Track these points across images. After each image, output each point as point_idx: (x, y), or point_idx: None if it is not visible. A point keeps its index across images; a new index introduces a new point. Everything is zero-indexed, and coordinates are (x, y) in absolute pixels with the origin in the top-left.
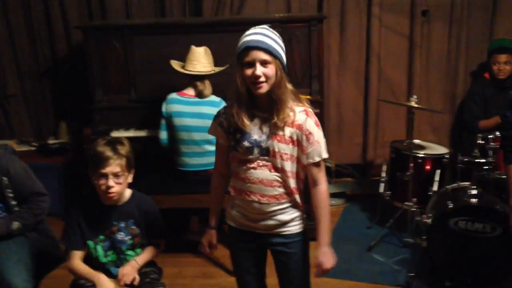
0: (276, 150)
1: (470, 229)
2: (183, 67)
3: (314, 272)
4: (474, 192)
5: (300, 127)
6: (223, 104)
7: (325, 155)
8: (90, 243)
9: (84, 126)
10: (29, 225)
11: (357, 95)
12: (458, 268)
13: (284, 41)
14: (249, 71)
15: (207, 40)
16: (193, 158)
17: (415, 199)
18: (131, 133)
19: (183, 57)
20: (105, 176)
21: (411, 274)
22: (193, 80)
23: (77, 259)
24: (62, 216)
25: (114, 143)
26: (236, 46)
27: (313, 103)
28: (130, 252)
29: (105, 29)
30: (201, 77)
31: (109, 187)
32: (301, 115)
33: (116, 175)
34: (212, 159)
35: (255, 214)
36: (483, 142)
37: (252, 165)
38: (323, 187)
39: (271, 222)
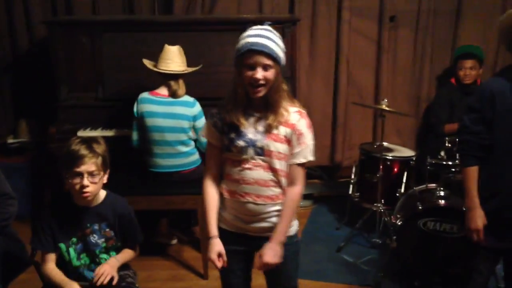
0: (272, 149)
1: (438, 230)
2: (155, 66)
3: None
4: (442, 193)
5: (293, 127)
6: (197, 104)
7: (310, 157)
8: (62, 245)
9: (46, 125)
10: None
11: (326, 97)
12: (426, 267)
13: None
14: (249, 73)
15: (179, 38)
16: (165, 159)
17: (383, 200)
18: (98, 133)
19: (154, 55)
20: (80, 175)
21: (380, 274)
22: (166, 79)
23: (51, 263)
24: (28, 219)
25: (89, 142)
26: (202, 44)
27: None
28: (104, 256)
29: (72, 24)
30: (175, 77)
31: (83, 187)
32: (295, 115)
33: (91, 174)
34: (185, 160)
35: (249, 215)
36: (450, 145)
37: (247, 166)
38: (299, 188)
39: (264, 224)
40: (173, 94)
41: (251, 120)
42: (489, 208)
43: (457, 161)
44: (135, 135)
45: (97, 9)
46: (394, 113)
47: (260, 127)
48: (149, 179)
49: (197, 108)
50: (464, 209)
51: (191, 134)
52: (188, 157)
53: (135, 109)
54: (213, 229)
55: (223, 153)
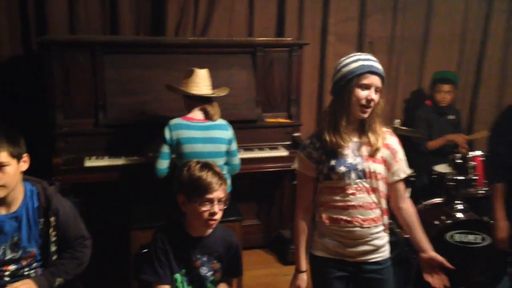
0: (372, 170)
1: (465, 241)
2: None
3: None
4: (461, 207)
5: (388, 147)
6: (230, 127)
7: (408, 171)
8: (178, 276)
9: (37, 154)
10: (72, 278)
11: (310, 119)
12: (454, 278)
13: (265, 64)
14: (364, 93)
15: (186, 61)
16: None
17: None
18: (106, 161)
19: (159, 77)
20: (211, 202)
21: None
22: (200, 103)
23: None
24: None
25: (210, 167)
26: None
27: (293, 127)
28: None
29: (72, 45)
30: (210, 100)
31: (213, 214)
32: (387, 135)
33: (220, 200)
34: None
35: (354, 240)
36: (462, 161)
37: (351, 191)
38: (410, 200)
39: (367, 248)
40: (211, 117)
41: (350, 144)
42: None
43: (472, 176)
44: (163, 164)
45: (76, 29)
46: (409, 132)
47: (358, 151)
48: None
49: (231, 130)
50: (483, 219)
51: (225, 158)
52: None
53: (167, 136)
54: (304, 264)
55: (319, 182)
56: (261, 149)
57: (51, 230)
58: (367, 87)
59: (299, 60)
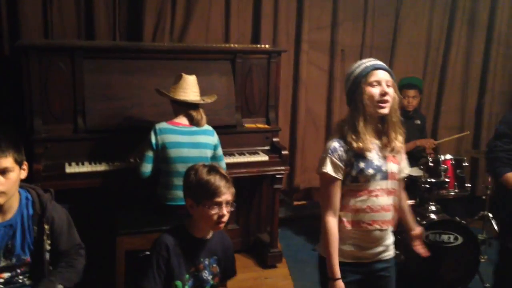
0: (393, 171)
1: (439, 241)
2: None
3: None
4: (434, 208)
5: (400, 146)
6: (215, 133)
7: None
8: (179, 283)
9: None
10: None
11: (285, 124)
12: (430, 276)
13: (244, 70)
14: (376, 89)
15: (166, 66)
16: None
17: None
18: (87, 168)
19: (139, 83)
20: (219, 205)
21: None
22: (186, 109)
23: None
24: None
25: (217, 170)
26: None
27: (272, 132)
28: None
29: (51, 49)
30: (196, 106)
31: (222, 216)
32: None
33: (228, 203)
34: None
35: (371, 242)
36: (433, 164)
37: (374, 193)
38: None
39: (380, 248)
40: (197, 123)
41: (373, 146)
42: None
43: (444, 178)
44: (147, 167)
45: (50, 34)
46: None
47: (380, 152)
48: (166, 214)
49: (216, 136)
50: (455, 220)
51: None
52: None
53: (153, 141)
54: (338, 271)
55: (344, 185)
56: (241, 154)
57: (45, 238)
58: (378, 83)
59: (277, 67)
